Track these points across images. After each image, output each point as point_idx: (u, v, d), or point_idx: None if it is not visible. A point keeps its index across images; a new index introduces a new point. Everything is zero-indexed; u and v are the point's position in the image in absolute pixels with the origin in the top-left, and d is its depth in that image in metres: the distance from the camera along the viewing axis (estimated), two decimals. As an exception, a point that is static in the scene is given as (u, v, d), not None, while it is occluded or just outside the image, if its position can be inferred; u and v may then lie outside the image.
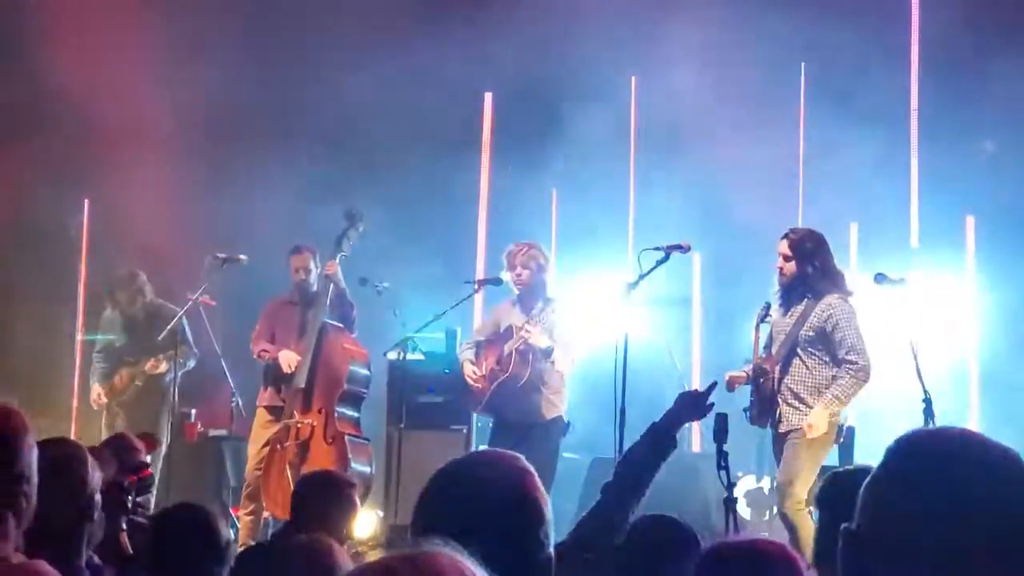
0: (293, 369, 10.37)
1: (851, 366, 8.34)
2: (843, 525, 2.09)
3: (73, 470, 4.02)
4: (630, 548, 4.12)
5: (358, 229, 10.67)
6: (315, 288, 10.74)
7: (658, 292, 10.34)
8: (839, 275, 8.53)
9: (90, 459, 4.13)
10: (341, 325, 10.65)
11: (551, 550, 2.64)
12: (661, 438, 4.64)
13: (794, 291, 8.48)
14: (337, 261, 10.56)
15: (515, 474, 2.65)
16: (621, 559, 4.10)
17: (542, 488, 2.69)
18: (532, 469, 2.81)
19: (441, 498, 2.66)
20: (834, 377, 8.40)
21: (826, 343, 8.43)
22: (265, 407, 10.63)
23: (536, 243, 10.16)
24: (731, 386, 8.55)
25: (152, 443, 7.90)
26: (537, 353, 9.72)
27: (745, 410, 8.53)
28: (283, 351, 10.46)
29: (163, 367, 11.06)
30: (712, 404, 5.04)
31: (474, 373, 10.00)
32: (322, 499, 6.38)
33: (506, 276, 10.10)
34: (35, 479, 3.21)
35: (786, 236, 8.58)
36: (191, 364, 11.30)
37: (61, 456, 4.04)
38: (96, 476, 4.11)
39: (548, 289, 10.02)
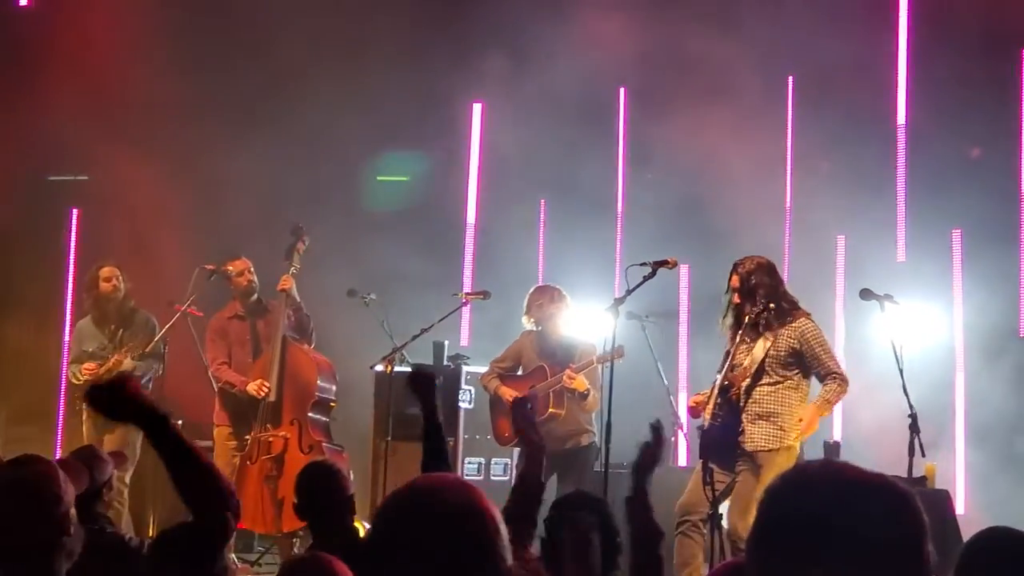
0: (267, 392, 10.41)
1: (836, 377, 8.37)
2: None
3: (47, 488, 4.04)
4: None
5: (304, 243, 10.74)
6: (257, 296, 10.79)
7: (644, 306, 10.38)
8: (790, 298, 8.57)
9: (62, 474, 4.15)
10: (299, 337, 10.70)
11: (509, 563, 2.63)
12: (638, 505, 4.89)
13: (753, 322, 8.49)
14: (290, 274, 10.62)
15: (464, 492, 2.65)
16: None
17: (493, 504, 2.68)
18: (477, 487, 2.82)
19: (396, 521, 2.63)
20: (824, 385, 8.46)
21: (800, 363, 8.45)
22: (226, 425, 10.67)
23: (557, 288, 10.35)
24: (695, 413, 8.59)
25: (121, 458, 7.85)
26: (575, 395, 10.08)
27: (699, 428, 8.51)
28: (251, 383, 10.48)
29: (127, 363, 10.97)
30: (661, 445, 5.21)
31: (515, 394, 10.26)
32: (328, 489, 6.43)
33: (528, 322, 10.41)
34: None
35: (735, 271, 8.62)
36: (156, 370, 11.23)
37: (33, 475, 4.09)
38: (70, 491, 4.13)
39: (570, 328, 10.33)
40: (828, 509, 2.09)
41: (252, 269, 10.84)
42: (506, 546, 2.61)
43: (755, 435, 8.39)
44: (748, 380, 8.44)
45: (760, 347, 8.43)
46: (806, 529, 2.08)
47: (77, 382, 11.21)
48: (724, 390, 8.45)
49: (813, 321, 8.52)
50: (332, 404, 10.68)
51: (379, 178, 13.43)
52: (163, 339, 10.91)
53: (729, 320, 8.60)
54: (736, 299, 8.53)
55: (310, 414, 10.46)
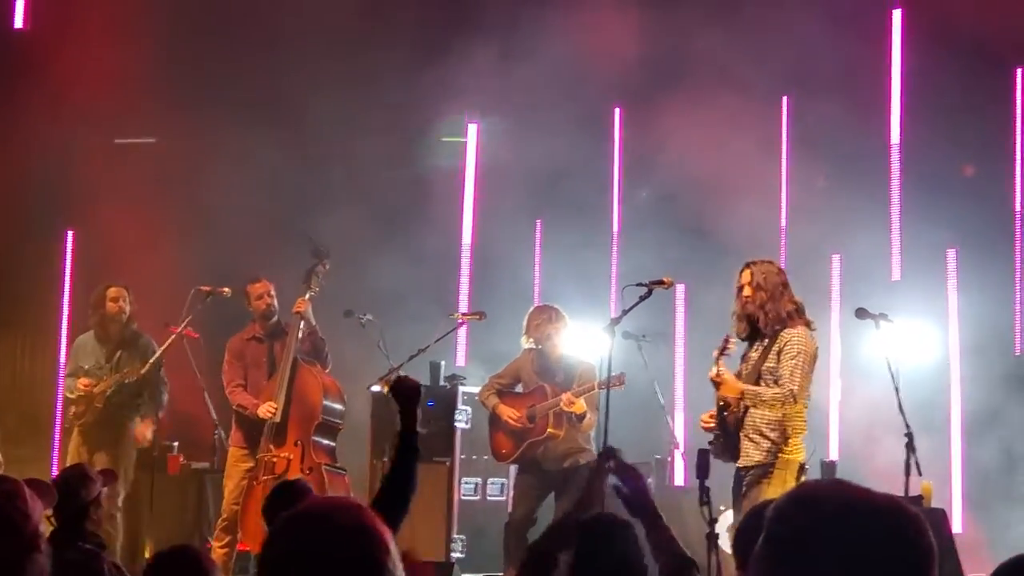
0: (273, 414, 10.42)
1: (787, 392, 8.21)
2: None
3: (12, 506, 4.04)
4: None
5: (325, 266, 10.75)
6: (276, 319, 10.80)
7: (640, 325, 10.40)
8: (798, 306, 8.49)
9: (28, 491, 4.14)
10: (313, 360, 10.71)
11: None
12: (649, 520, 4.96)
13: (757, 324, 8.45)
14: (307, 298, 10.63)
15: (355, 512, 2.66)
16: None
17: (379, 521, 2.69)
18: (363, 504, 2.84)
19: (285, 543, 2.64)
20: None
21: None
22: (239, 447, 10.68)
23: (555, 308, 10.37)
24: (707, 428, 8.58)
25: (110, 476, 7.87)
26: (572, 417, 10.13)
27: (709, 443, 8.49)
28: (261, 406, 10.49)
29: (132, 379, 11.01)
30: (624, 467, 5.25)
31: (513, 415, 10.39)
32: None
33: (527, 342, 10.45)
34: None
35: (747, 266, 8.58)
36: (164, 399, 11.26)
37: None
38: (37, 507, 4.13)
39: (567, 348, 10.39)
40: (837, 529, 2.09)
41: (272, 292, 10.83)
42: (397, 566, 2.63)
43: (751, 450, 8.37)
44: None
45: (757, 357, 8.42)
46: (814, 548, 2.08)
47: (71, 396, 11.24)
48: (721, 408, 8.45)
49: (806, 331, 8.40)
50: (338, 427, 10.64)
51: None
52: (159, 361, 10.91)
53: (739, 324, 8.54)
54: (742, 299, 8.48)
55: (314, 436, 10.43)
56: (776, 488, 8.06)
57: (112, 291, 11.21)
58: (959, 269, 12.23)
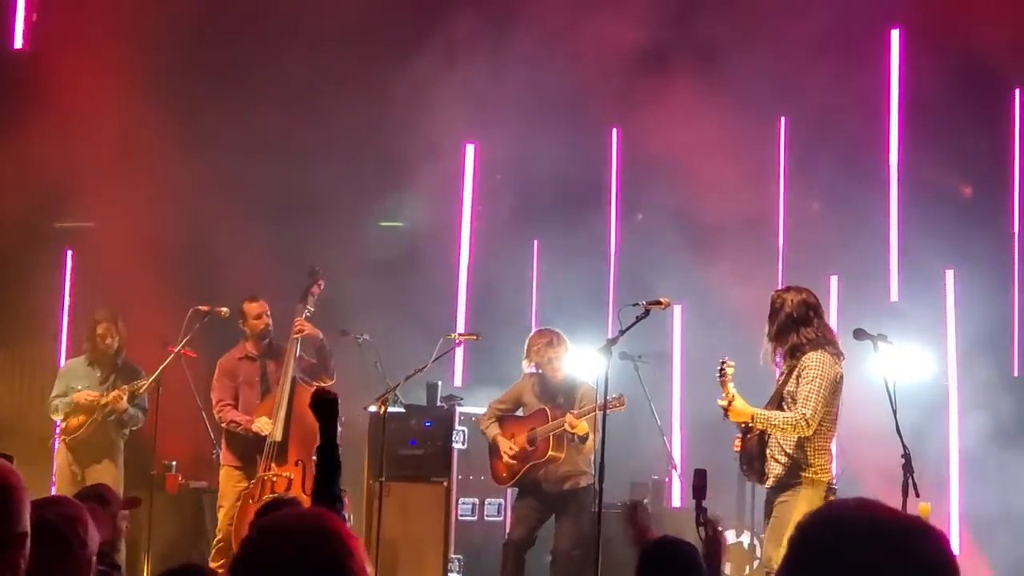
0: (271, 431, 10.41)
1: (800, 417, 8.23)
2: None
3: (72, 530, 3.91)
4: None
5: (320, 286, 10.77)
6: (271, 339, 10.82)
7: (637, 346, 10.40)
8: (813, 340, 8.45)
9: (89, 519, 4.02)
10: (315, 375, 10.69)
11: None
12: None
13: (783, 348, 8.47)
14: (303, 318, 10.64)
15: (315, 516, 2.70)
16: None
17: (345, 526, 2.70)
18: (327, 512, 2.84)
19: (251, 556, 2.66)
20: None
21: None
22: (233, 466, 10.67)
23: (556, 331, 10.37)
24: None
25: (135, 501, 7.90)
26: (575, 439, 10.12)
27: (741, 460, 8.54)
28: (256, 421, 10.49)
29: (124, 403, 11.03)
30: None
31: (511, 450, 10.37)
32: None
33: (528, 366, 10.49)
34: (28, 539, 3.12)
35: (772, 295, 8.62)
36: (140, 421, 11.30)
37: (59, 518, 3.89)
38: (95, 536, 4.00)
39: (569, 371, 10.41)
40: (863, 549, 2.08)
41: (268, 312, 10.86)
42: (364, 568, 2.64)
43: (775, 471, 8.37)
44: None
45: (781, 381, 8.44)
46: (838, 568, 2.08)
47: (56, 416, 11.28)
48: (744, 431, 8.46)
49: (827, 356, 8.35)
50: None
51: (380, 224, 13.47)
52: (155, 382, 10.91)
53: (768, 348, 8.56)
54: (769, 327, 8.50)
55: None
56: (802, 508, 8.05)
57: (100, 328, 11.29)
58: (957, 290, 12.22)
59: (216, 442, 11.28)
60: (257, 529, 2.72)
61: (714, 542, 6.58)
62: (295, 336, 10.63)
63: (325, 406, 5.79)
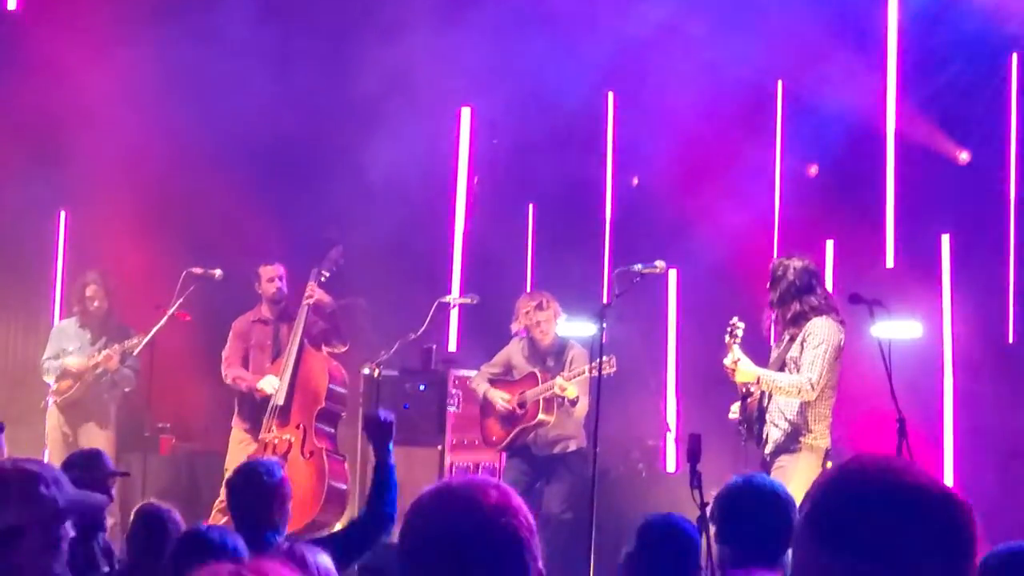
0: (275, 392, 10.43)
1: (806, 381, 8.25)
2: None
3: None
4: None
5: (338, 251, 10.78)
6: (284, 303, 10.82)
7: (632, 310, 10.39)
8: (815, 307, 8.44)
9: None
10: (326, 341, 10.71)
11: (540, 565, 2.57)
12: None
13: (781, 316, 8.47)
14: (315, 284, 10.64)
15: (499, 491, 2.58)
16: None
17: (522, 515, 2.61)
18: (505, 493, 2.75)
19: (429, 520, 2.56)
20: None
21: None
22: (243, 429, 10.68)
23: (545, 294, 10.36)
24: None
25: (123, 475, 7.89)
26: (565, 402, 10.11)
27: (739, 425, 8.55)
28: (263, 379, 10.51)
29: (115, 363, 11.01)
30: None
31: (504, 399, 10.43)
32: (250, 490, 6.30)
33: (516, 328, 10.53)
34: None
35: (772, 263, 8.61)
36: (132, 382, 11.26)
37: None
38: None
39: (558, 334, 10.45)
40: (882, 511, 2.06)
41: (283, 276, 10.86)
42: (538, 547, 2.57)
43: (774, 436, 8.37)
44: None
45: (783, 348, 8.44)
46: (857, 529, 2.05)
47: (48, 378, 11.27)
48: (744, 396, 8.46)
49: (832, 322, 8.38)
50: (341, 414, 10.67)
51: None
52: (148, 344, 10.89)
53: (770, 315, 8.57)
54: (771, 294, 8.50)
55: (316, 421, 10.46)
56: (801, 474, 8.08)
57: (88, 290, 11.28)
58: (953, 255, 12.20)
59: (209, 406, 11.28)
60: (441, 493, 2.59)
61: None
62: (306, 301, 10.64)
63: (378, 429, 5.76)
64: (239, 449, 10.61)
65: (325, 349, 10.74)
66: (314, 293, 10.67)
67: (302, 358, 10.57)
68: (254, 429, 10.63)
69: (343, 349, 10.83)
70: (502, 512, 2.50)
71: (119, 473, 6.98)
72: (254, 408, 10.63)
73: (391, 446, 5.98)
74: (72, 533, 3.86)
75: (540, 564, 2.57)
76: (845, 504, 2.08)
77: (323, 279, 10.73)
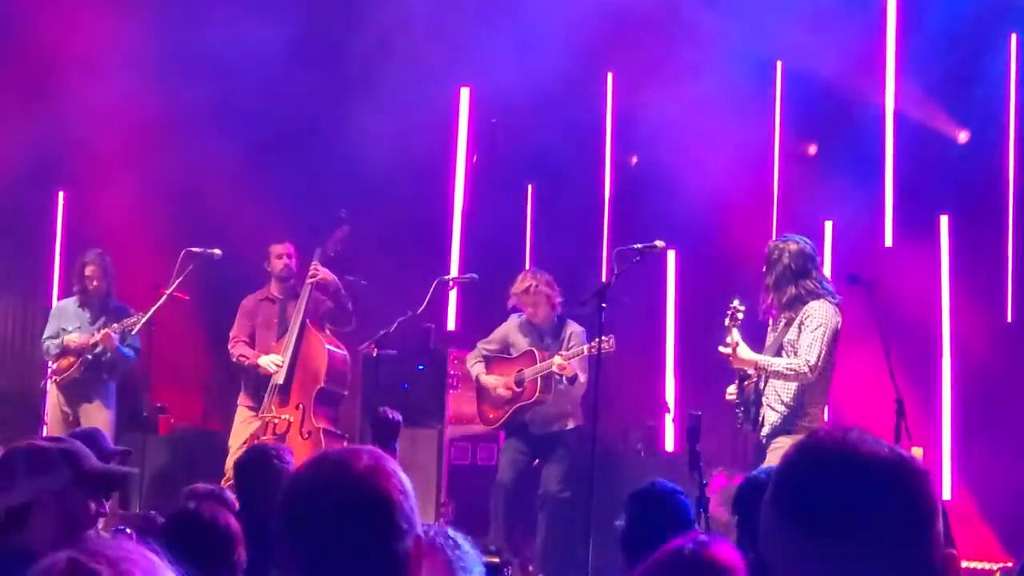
0: (277, 369, 10.45)
1: (803, 364, 8.24)
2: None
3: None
4: None
5: (344, 231, 10.80)
6: (293, 282, 10.84)
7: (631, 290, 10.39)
8: (811, 291, 8.42)
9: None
10: (333, 320, 10.76)
11: (408, 540, 2.63)
12: None
13: (777, 300, 8.45)
14: (320, 262, 10.66)
15: (368, 454, 2.68)
16: None
17: (394, 479, 2.68)
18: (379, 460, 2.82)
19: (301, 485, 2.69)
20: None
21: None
22: (246, 406, 10.72)
23: (542, 273, 10.37)
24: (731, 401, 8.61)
25: (127, 454, 7.87)
26: (563, 380, 10.16)
27: (736, 408, 8.54)
28: (263, 357, 10.53)
29: (115, 342, 10.99)
30: None
31: (498, 384, 10.48)
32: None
33: (511, 306, 10.56)
34: None
35: (768, 246, 8.59)
36: (132, 362, 11.25)
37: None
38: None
39: (555, 313, 10.45)
40: (840, 482, 2.07)
41: (291, 254, 10.88)
42: (413, 509, 2.65)
43: (771, 419, 8.37)
44: None
45: (779, 331, 8.43)
46: (816, 501, 2.07)
47: (48, 357, 11.26)
48: (741, 378, 8.45)
49: (830, 305, 8.35)
50: (341, 395, 10.68)
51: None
52: (147, 324, 10.88)
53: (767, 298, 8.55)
54: (767, 278, 8.48)
55: (315, 401, 10.47)
56: None
57: (88, 269, 11.26)
58: (952, 236, 12.20)
59: (208, 385, 11.30)
60: (315, 459, 2.74)
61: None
62: (309, 280, 10.66)
63: (384, 428, 5.77)
64: (243, 427, 10.65)
65: (329, 328, 10.75)
66: (318, 272, 10.69)
67: (303, 337, 10.59)
68: (258, 407, 10.67)
69: (349, 328, 10.85)
70: (371, 474, 2.60)
71: (119, 452, 6.97)
72: (259, 386, 10.67)
73: (396, 444, 6.00)
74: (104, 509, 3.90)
75: (419, 529, 2.65)
76: (804, 481, 2.10)
77: (329, 256, 10.76)
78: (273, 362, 10.52)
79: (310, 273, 10.69)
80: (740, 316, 8.34)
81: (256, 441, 10.30)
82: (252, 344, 10.83)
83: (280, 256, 10.91)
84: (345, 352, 10.69)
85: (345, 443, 10.51)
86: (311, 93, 12.71)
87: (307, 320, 10.64)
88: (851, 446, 2.11)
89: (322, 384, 10.47)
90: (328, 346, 10.57)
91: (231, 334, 10.91)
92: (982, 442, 11.49)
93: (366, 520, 2.57)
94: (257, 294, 11.02)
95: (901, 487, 2.08)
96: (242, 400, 10.84)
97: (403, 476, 2.66)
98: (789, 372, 8.26)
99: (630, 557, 5.09)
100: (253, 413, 10.67)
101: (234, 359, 10.82)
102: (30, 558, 2.10)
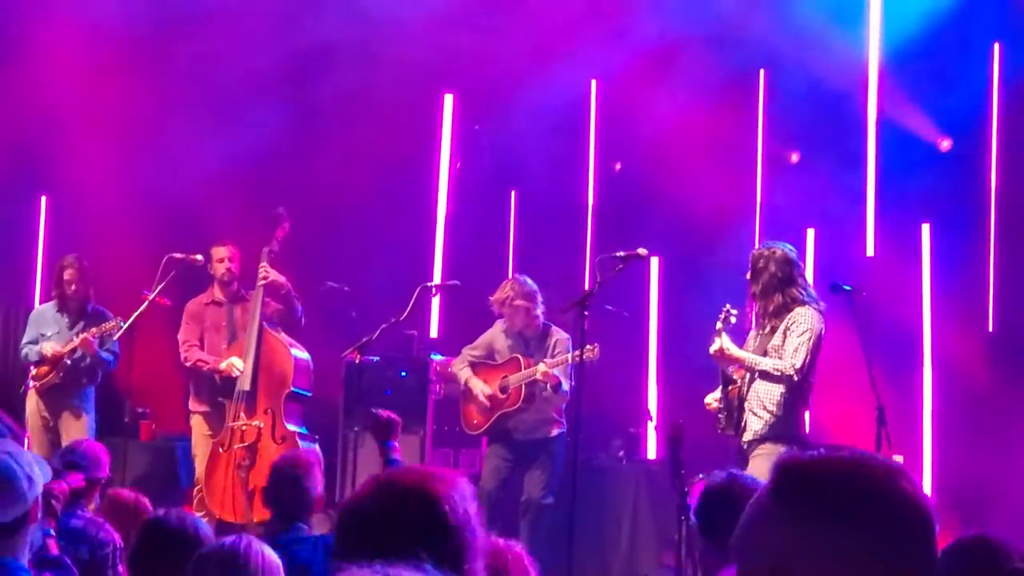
0: (240, 374, 10.39)
1: (789, 367, 8.27)
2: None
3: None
4: None
5: (284, 229, 10.73)
6: (236, 285, 10.79)
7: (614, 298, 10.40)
8: (796, 299, 8.44)
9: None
10: (284, 323, 10.67)
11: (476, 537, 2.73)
12: None
13: (763, 308, 8.48)
14: (267, 263, 10.59)
15: (416, 474, 2.83)
16: None
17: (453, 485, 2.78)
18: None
19: (357, 507, 2.85)
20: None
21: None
22: (202, 413, 10.65)
23: (526, 280, 10.36)
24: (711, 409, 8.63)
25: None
26: (547, 388, 10.18)
27: (719, 413, 8.55)
28: (227, 360, 10.46)
29: (95, 347, 10.95)
30: None
31: (485, 391, 10.45)
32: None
33: (495, 312, 10.53)
34: None
35: (752, 254, 8.61)
36: (111, 366, 11.21)
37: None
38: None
39: (539, 320, 10.43)
40: (839, 477, 2.08)
41: (233, 257, 10.81)
42: (470, 516, 2.76)
43: (753, 424, 8.39)
44: (747, 373, 8.44)
45: (763, 336, 8.45)
46: (814, 494, 2.08)
47: (28, 363, 11.22)
48: (726, 383, 8.47)
49: (815, 312, 8.40)
50: (307, 396, 10.62)
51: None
52: (129, 329, 10.85)
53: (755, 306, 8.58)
54: (753, 286, 8.50)
55: (285, 407, 10.41)
56: None
57: (66, 274, 11.22)
58: (933, 244, 12.22)
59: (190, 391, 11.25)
60: (368, 482, 2.90)
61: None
62: (260, 283, 10.59)
63: (382, 428, 5.79)
64: (202, 436, 10.60)
65: (281, 332, 10.66)
66: (268, 274, 10.61)
67: (263, 341, 10.51)
68: (213, 413, 10.59)
69: (298, 329, 10.77)
70: (417, 494, 2.77)
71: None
72: (213, 390, 10.60)
73: (395, 443, 6.00)
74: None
75: (469, 537, 2.77)
76: (805, 477, 2.11)
77: (273, 255, 10.67)
78: (237, 365, 10.43)
79: (260, 276, 10.60)
80: (732, 320, 8.37)
81: (220, 451, 10.29)
82: (202, 348, 10.77)
83: (222, 260, 10.82)
84: (307, 354, 10.63)
85: (316, 445, 10.45)
86: (294, 99, 12.71)
87: (264, 324, 10.58)
88: (850, 452, 2.13)
89: (291, 388, 10.42)
90: (291, 349, 10.51)
91: (181, 339, 10.81)
92: (963, 451, 11.50)
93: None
94: (201, 298, 10.95)
95: (898, 491, 2.08)
96: (194, 406, 10.75)
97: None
98: (775, 372, 8.28)
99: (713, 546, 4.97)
100: (205, 420, 10.62)
101: (190, 364, 10.73)
102: None
